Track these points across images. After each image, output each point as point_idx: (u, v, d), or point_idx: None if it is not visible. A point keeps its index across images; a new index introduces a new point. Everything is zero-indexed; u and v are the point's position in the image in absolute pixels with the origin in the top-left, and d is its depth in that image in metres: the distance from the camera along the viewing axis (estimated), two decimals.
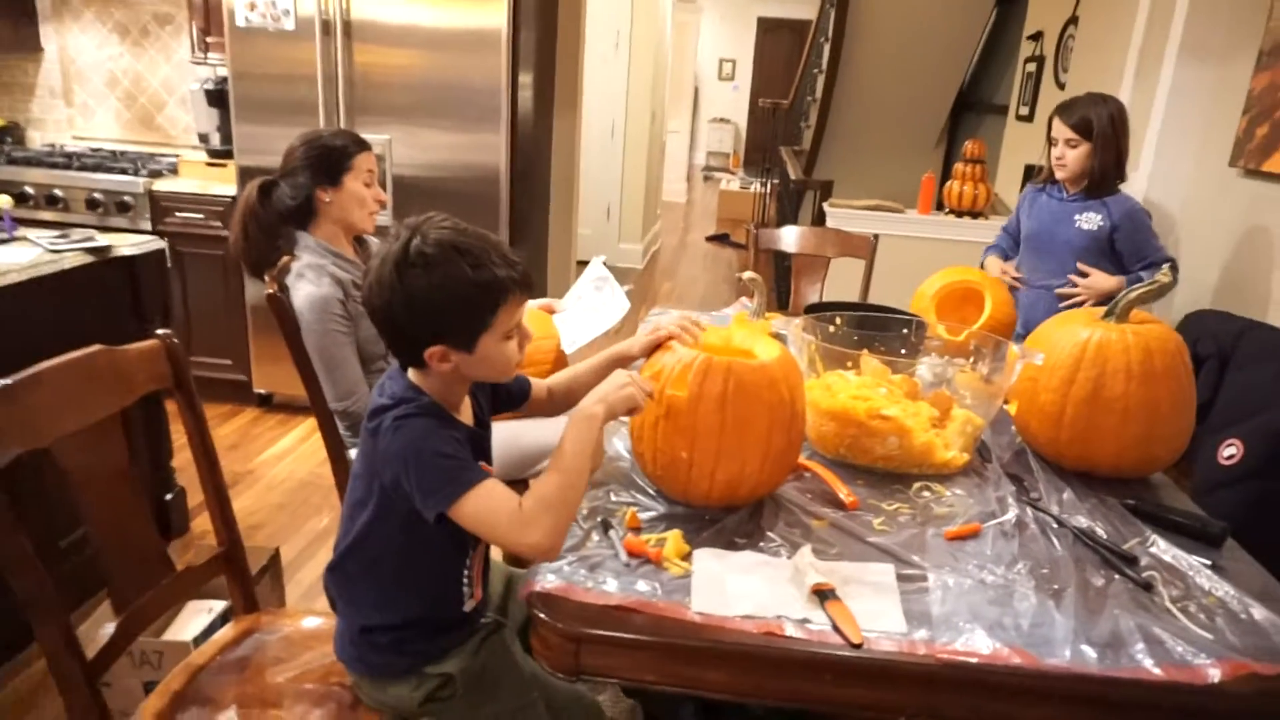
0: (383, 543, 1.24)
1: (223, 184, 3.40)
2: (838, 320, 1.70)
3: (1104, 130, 2.23)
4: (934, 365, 1.83)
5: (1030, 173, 3.64)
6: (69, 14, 3.85)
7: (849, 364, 1.62)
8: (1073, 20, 3.65)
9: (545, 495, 1.14)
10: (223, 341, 3.49)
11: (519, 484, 2.05)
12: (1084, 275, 2.29)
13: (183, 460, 3.15)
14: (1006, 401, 1.67)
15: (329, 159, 1.88)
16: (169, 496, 2.61)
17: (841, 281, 3.49)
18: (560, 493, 1.15)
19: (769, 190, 8.60)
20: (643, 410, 1.27)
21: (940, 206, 3.61)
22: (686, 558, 1.22)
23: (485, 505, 1.12)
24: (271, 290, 1.82)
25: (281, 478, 3.03)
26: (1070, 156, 2.27)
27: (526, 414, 1.53)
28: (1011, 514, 1.37)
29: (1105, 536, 1.32)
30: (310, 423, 3.44)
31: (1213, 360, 2.00)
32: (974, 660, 1.02)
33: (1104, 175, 2.26)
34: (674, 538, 1.23)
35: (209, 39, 3.46)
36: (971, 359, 1.75)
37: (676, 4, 7.66)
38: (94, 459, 1.26)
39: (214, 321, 3.48)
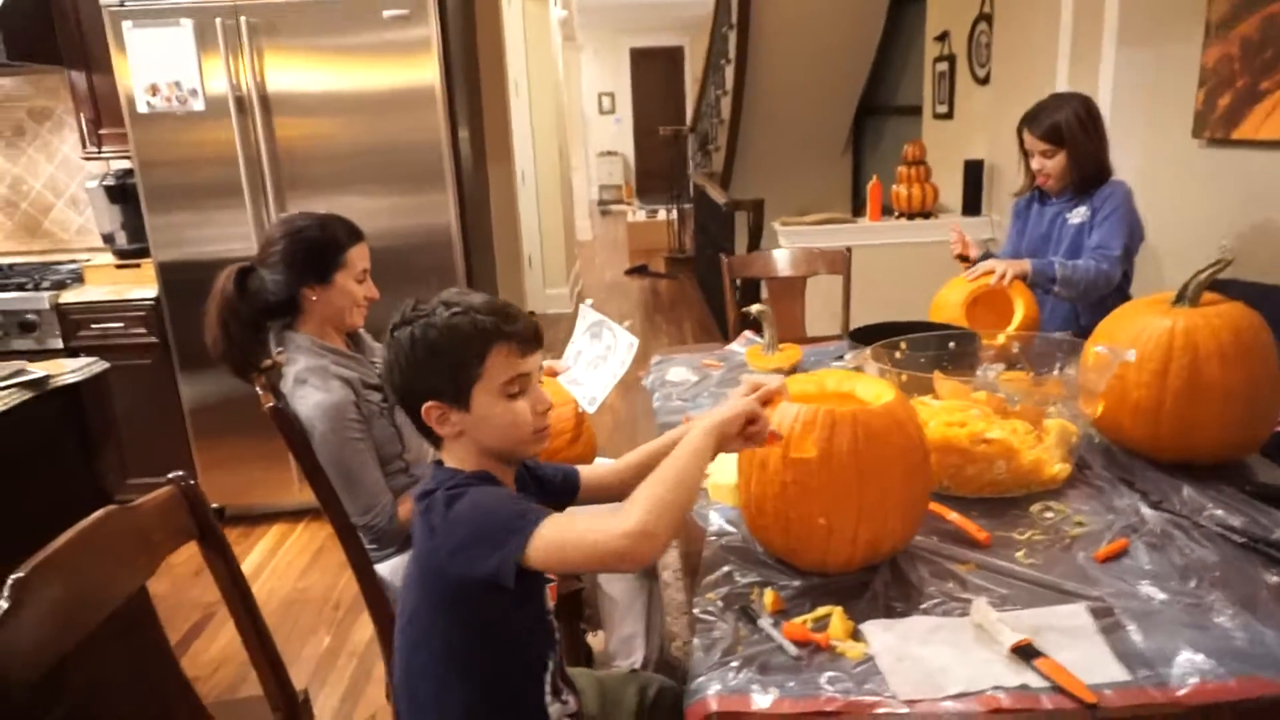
0: (449, 659, 1.10)
1: (141, 286, 3.08)
2: (902, 345, 1.61)
3: (1074, 133, 2.18)
4: (993, 369, 1.77)
5: (971, 168, 3.71)
6: None
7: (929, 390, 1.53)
8: (983, 18, 3.74)
9: (645, 490, 1.02)
10: (163, 458, 3.12)
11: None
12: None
13: None
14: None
15: (319, 256, 1.66)
16: None
17: (816, 303, 3.43)
18: (665, 485, 1.01)
19: (679, 217, 8.64)
20: (762, 442, 1.14)
21: (888, 211, 3.62)
22: (852, 636, 1.09)
23: (561, 523, 1.01)
24: (272, 403, 1.60)
25: (261, 601, 2.72)
26: (1050, 166, 2.22)
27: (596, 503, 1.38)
28: (1150, 522, 1.30)
29: (1252, 531, 1.27)
30: (279, 530, 3.15)
31: None
32: (1228, 700, 0.93)
33: (1086, 175, 2.21)
34: (837, 616, 1.10)
35: (102, 131, 3.15)
36: (1019, 363, 1.70)
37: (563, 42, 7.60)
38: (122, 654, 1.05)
39: (150, 437, 3.15)
